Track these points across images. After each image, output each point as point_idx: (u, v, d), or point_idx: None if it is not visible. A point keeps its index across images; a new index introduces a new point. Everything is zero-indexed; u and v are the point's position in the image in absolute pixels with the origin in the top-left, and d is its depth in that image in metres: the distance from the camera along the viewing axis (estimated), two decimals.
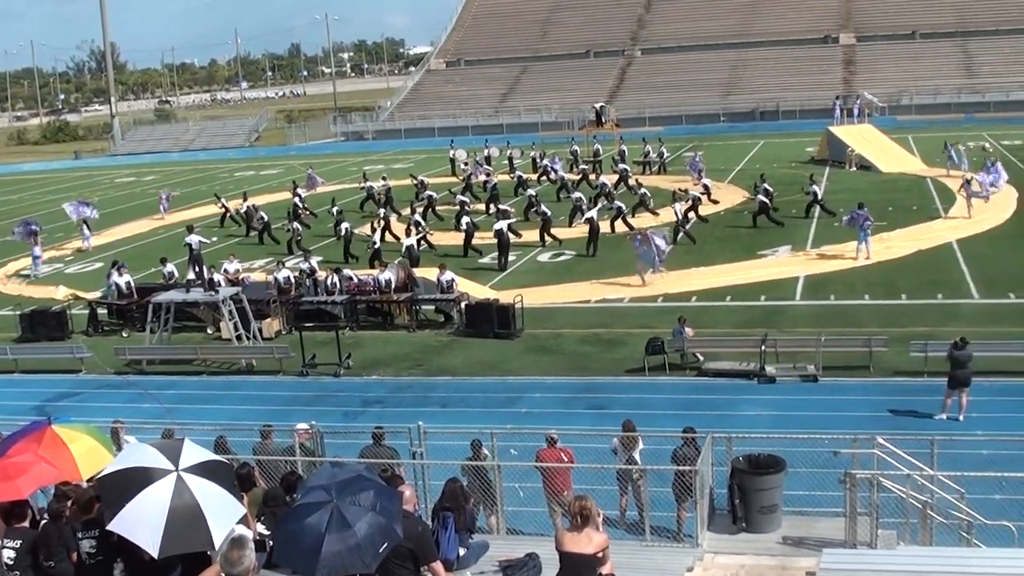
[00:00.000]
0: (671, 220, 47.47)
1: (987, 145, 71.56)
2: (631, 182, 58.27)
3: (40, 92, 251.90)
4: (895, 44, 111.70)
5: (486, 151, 73.28)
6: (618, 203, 50.36)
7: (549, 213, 48.64)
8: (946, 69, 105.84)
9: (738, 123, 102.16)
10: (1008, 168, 55.80)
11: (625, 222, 48.49)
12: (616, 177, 60.41)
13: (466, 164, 68.78)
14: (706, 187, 55.25)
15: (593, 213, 46.18)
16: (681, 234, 46.20)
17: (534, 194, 54.11)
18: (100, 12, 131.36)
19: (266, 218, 53.84)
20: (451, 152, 74.34)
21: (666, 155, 70.64)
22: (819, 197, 50.37)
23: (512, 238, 45.32)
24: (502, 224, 44.72)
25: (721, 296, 37.28)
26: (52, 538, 13.13)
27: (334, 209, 52.83)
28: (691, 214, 48.94)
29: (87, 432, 15.17)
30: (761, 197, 49.26)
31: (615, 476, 18.61)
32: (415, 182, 61.03)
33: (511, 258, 44.90)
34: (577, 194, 53.49)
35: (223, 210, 60.08)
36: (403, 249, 42.81)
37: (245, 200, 58.13)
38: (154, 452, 12.19)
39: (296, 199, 57.44)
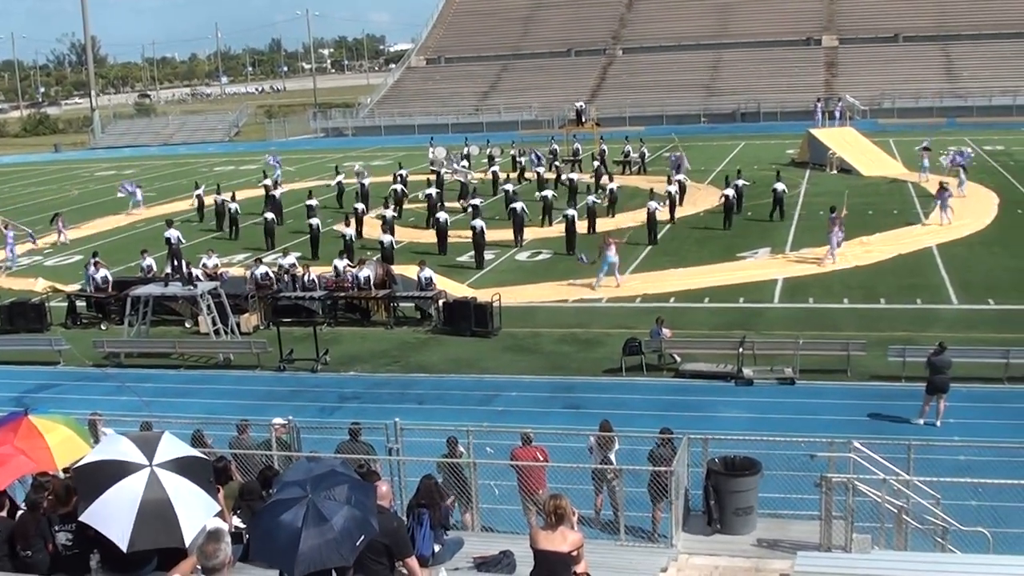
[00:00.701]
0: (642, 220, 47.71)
1: (968, 150, 71.81)
2: (603, 181, 58.00)
3: (20, 85, 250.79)
4: (877, 47, 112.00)
5: (465, 149, 73.24)
6: (591, 198, 50.57)
7: (523, 208, 48.63)
8: (928, 73, 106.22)
9: (719, 124, 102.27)
10: (989, 174, 56.02)
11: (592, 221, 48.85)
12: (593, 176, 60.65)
13: (445, 165, 68.56)
14: (681, 185, 55.03)
15: (573, 211, 46.28)
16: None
17: (511, 190, 54.16)
18: (81, 6, 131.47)
19: (236, 210, 54.66)
20: (431, 151, 74.28)
21: (647, 155, 70.61)
22: (781, 197, 50.35)
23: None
24: (478, 222, 44.83)
25: (699, 297, 37.32)
26: (29, 528, 13.12)
27: (309, 203, 52.99)
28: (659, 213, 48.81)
29: (63, 423, 15.14)
30: (729, 191, 49.35)
31: (590, 475, 18.61)
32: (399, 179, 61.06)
33: (488, 256, 44.90)
34: (547, 192, 53.44)
35: (198, 202, 60.16)
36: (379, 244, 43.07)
37: (219, 193, 58.03)
38: (131, 445, 12.16)
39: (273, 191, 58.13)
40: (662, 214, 48.99)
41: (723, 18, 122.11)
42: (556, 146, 73.12)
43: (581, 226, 46.79)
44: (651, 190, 50.32)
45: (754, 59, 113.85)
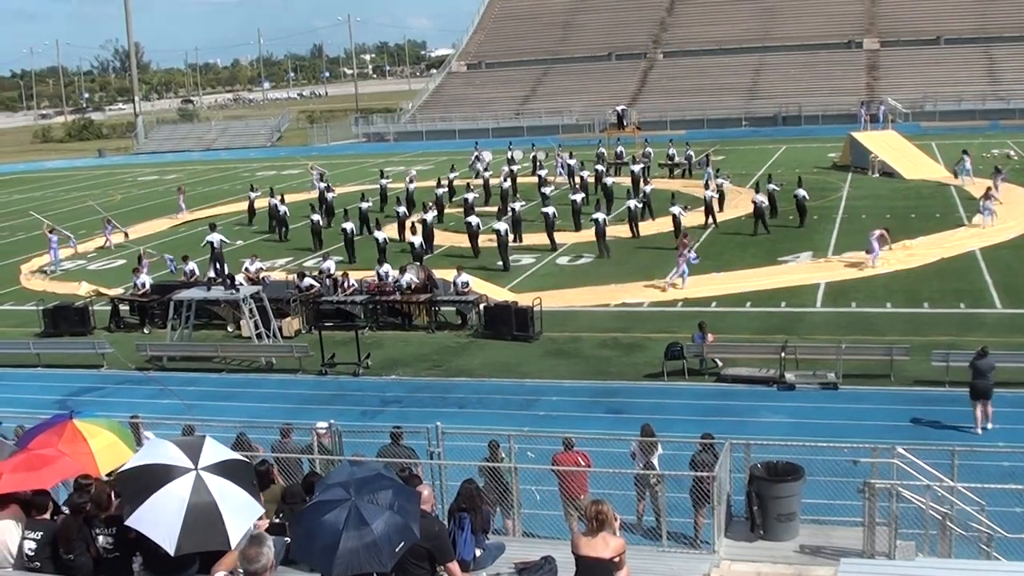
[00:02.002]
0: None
1: (1012, 153, 71.33)
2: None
3: (65, 91, 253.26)
4: (919, 49, 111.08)
5: (509, 153, 73.11)
6: (632, 202, 50.43)
7: (555, 213, 48.53)
8: (970, 75, 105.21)
9: (760, 128, 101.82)
10: None
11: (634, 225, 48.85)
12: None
13: (487, 168, 68.52)
14: (720, 190, 54.72)
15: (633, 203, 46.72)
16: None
17: (547, 193, 54.29)
18: (125, 12, 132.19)
19: (286, 213, 55.31)
20: (475, 153, 74.34)
21: (693, 157, 70.28)
22: (802, 203, 49.77)
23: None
24: (501, 225, 45.29)
25: (741, 302, 37.18)
26: (72, 531, 13.19)
27: (362, 205, 53.71)
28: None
29: (108, 427, 15.23)
30: (760, 197, 49.12)
31: (632, 481, 18.55)
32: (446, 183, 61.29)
33: (528, 260, 44.92)
34: (577, 196, 53.22)
35: (249, 205, 60.59)
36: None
37: (272, 196, 58.44)
38: (175, 449, 12.23)
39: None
40: (690, 219, 48.77)
41: (764, 21, 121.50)
42: (603, 149, 72.75)
43: (615, 230, 46.78)
44: (672, 195, 50.38)
45: (795, 62, 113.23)
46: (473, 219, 47.91)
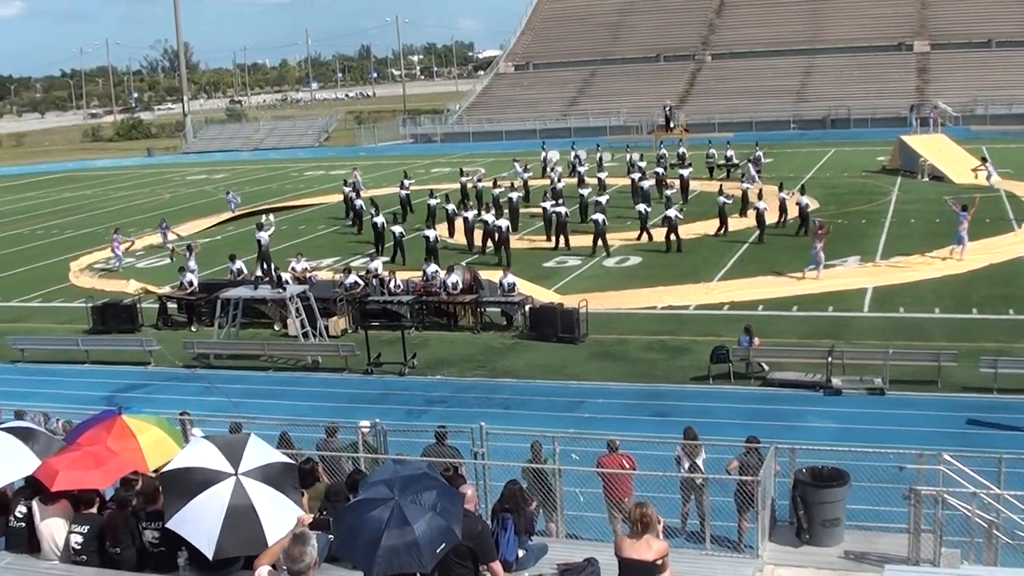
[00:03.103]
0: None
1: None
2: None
3: (114, 90, 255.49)
4: (970, 52, 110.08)
5: (573, 153, 72.63)
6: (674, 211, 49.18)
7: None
8: (1021, 78, 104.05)
9: (809, 130, 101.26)
10: None
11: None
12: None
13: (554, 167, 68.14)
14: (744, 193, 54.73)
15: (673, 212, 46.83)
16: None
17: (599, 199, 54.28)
18: (174, 13, 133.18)
19: (361, 207, 56.44)
20: (543, 154, 74.06)
21: (732, 158, 70.08)
22: (805, 212, 48.99)
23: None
24: (502, 222, 46.43)
25: (788, 306, 37.01)
26: (119, 526, 13.35)
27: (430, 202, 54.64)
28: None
29: (156, 423, 15.39)
30: (804, 200, 48.82)
31: (677, 484, 18.51)
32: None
33: (575, 262, 44.99)
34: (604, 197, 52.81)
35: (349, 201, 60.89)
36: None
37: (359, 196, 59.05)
38: (216, 452, 12.37)
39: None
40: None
41: (814, 24, 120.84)
42: (664, 151, 72.33)
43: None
44: (667, 197, 50.87)
45: (845, 64, 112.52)
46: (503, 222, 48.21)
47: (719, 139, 78.81)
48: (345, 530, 10.71)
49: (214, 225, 63.49)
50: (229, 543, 11.63)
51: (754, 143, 70.06)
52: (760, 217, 47.95)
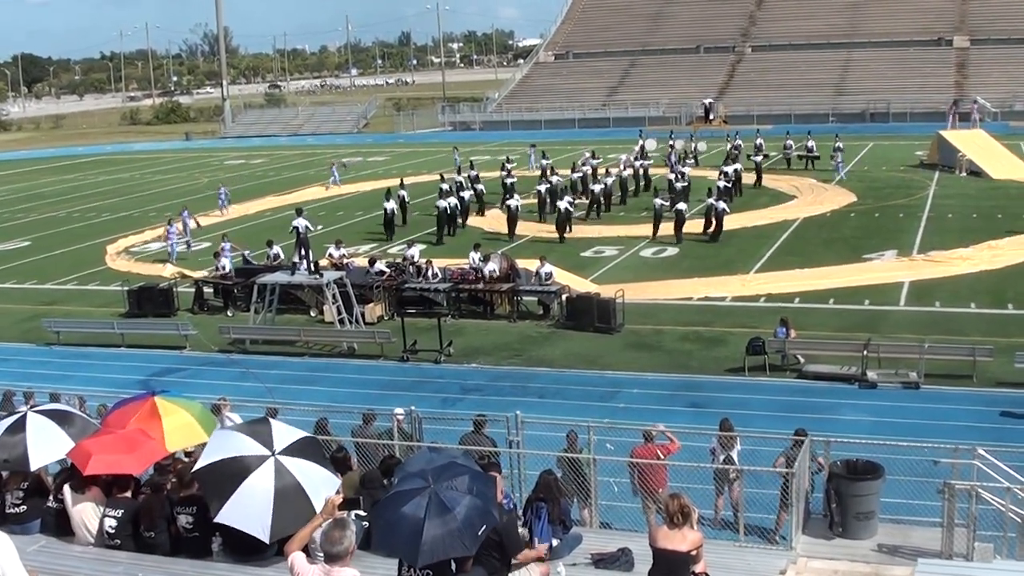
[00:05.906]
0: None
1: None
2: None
3: (153, 74, 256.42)
4: (1010, 48, 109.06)
5: (641, 142, 71.70)
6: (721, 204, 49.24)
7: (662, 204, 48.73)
8: None
9: (848, 124, 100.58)
10: None
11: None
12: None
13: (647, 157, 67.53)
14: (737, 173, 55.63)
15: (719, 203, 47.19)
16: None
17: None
18: None
19: (405, 197, 56.08)
20: (640, 141, 72.20)
21: (815, 149, 69.24)
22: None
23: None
24: (513, 201, 48.87)
25: (824, 298, 36.92)
26: (154, 510, 13.44)
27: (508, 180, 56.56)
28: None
29: (187, 408, 15.30)
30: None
31: (711, 476, 18.52)
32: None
33: (612, 252, 45.00)
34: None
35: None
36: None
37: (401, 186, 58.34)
38: (245, 439, 12.51)
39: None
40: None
41: (854, 17, 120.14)
42: (702, 144, 71.72)
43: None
44: (655, 188, 51.91)
45: (884, 58, 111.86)
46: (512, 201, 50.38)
47: (797, 129, 77.67)
48: (383, 526, 10.72)
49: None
50: (282, 522, 11.79)
51: (834, 135, 69.03)
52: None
